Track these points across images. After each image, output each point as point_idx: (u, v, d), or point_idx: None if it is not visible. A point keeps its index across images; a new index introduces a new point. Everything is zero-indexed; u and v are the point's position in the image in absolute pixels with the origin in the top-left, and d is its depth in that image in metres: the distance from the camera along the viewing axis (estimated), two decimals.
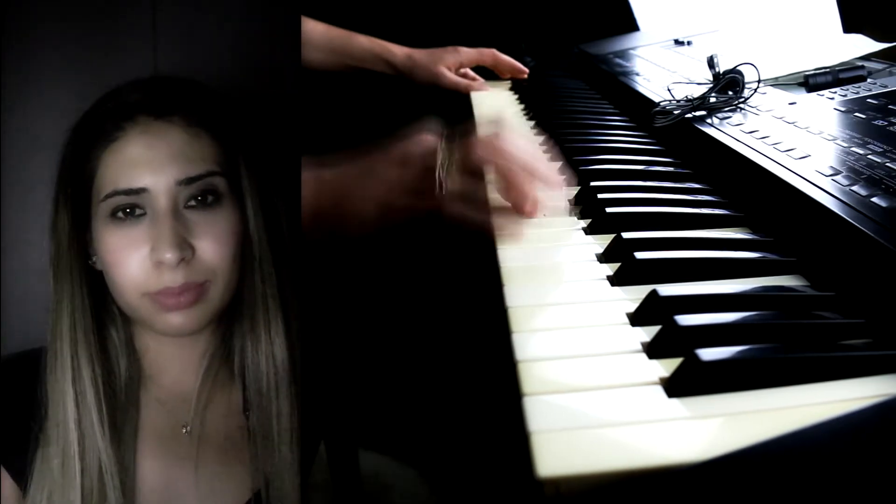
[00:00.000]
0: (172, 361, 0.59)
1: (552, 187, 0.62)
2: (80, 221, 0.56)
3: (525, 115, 1.11)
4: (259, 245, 0.57)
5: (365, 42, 1.34)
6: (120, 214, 0.54)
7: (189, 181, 0.55)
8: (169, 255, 0.53)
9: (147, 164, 0.54)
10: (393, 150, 0.64)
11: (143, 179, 0.54)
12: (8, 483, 0.57)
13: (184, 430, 0.59)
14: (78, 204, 0.56)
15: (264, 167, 0.59)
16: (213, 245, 0.55)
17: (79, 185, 0.56)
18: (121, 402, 0.57)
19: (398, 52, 1.33)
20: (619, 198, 0.65)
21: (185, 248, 0.54)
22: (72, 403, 0.54)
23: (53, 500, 0.54)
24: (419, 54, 1.33)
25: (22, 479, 0.55)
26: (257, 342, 0.58)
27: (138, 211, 0.54)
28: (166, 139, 0.55)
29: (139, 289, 0.54)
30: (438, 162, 0.60)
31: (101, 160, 0.55)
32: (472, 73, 1.35)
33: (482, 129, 0.63)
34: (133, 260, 0.54)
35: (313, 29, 1.29)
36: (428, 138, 0.65)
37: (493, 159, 0.60)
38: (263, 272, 0.58)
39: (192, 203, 0.55)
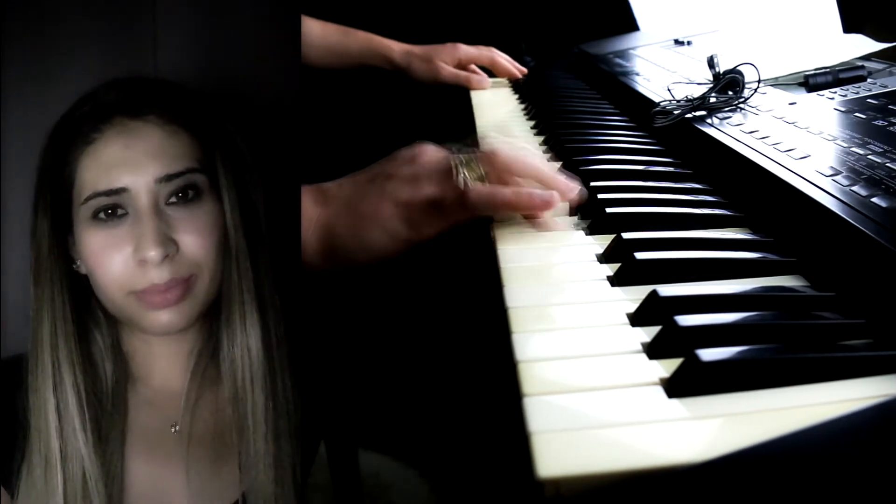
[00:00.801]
0: (160, 361, 0.59)
1: (568, 197, 0.62)
2: (60, 226, 0.56)
3: (525, 114, 1.11)
4: (235, 239, 0.57)
5: (362, 38, 1.34)
6: (101, 216, 0.54)
7: (169, 178, 0.55)
8: (152, 253, 0.53)
9: (125, 163, 0.54)
10: (399, 153, 0.64)
11: (122, 179, 0.54)
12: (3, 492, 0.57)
13: (172, 430, 0.59)
14: (58, 208, 0.56)
15: (242, 162, 0.59)
16: (196, 239, 0.55)
17: (58, 189, 0.56)
18: (107, 408, 0.57)
19: (396, 47, 1.33)
20: (620, 198, 0.65)
21: (169, 245, 0.54)
22: (53, 411, 0.54)
23: None
24: (417, 50, 1.33)
25: (10, 486, 0.55)
26: (233, 335, 0.58)
27: (120, 211, 0.54)
28: (144, 138, 0.55)
29: (124, 288, 0.54)
30: (457, 170, 0.59)
31: (79, 163, 0.55)
32: (472, 66, 1.35)
33: (490, 142, 0.62)
34: (117, 260, 0.54)
35: (310, 27, 1.29)
36: (429, 146, 0.65)
37: (518, 166, 0.59)
38: (240, 266, 0.57)
39: (173, 200, 0.55)
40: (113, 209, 0.54)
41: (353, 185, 0.62)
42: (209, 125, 0.58)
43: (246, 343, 0.58)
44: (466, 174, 0.59)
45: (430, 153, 0.63)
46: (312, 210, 0.61)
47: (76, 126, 0.56)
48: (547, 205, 0.59)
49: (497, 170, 0.60)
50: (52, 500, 0.53)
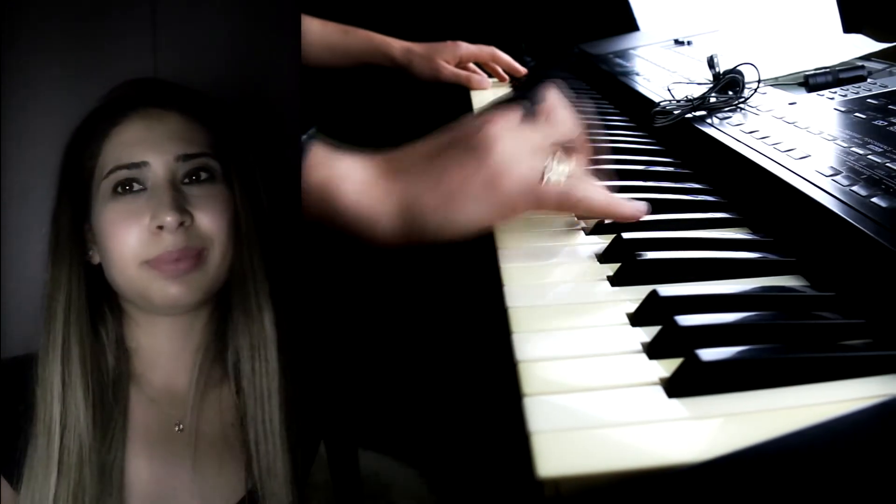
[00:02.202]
0: (165, 357, 0.60)
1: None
2: (79, 213, 0.59)
3: None
4: (245, 223, 0.60)
5: (362, 36, 1.34)
6: (121, 189, 0.57)
7: (186, 158, 0.58)
8: (169, 219, 0.55)
9: (147, 141, 0.58)
10: (470, 123, 0.59)
11: (143, 155, 0.57)
12: (6, 487, 0.57)
13: (177, 429, 0.59)
14: (79, 195, 0.59)
15: (247, 157, 0.62)
16: (209, 215, 0.57)
17: (80, 176, 0.59)
18: (108, 399, 0.58)
19: (396, 45, 1.33)
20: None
21: (185, 214, 0.56)
22: (58, 381, 0.56)
23: (33, 485, 0.55)
24: (418, 48, 1.33)
25: (16, 483, 0.56)
26: (248, 312, 0.59)
27: (137, 186, 0.57)
28: (165, 122, 0.59)
29: (138, 257, 0.56)
30: (547, 173, 0.57)
31: (103, 145, 0.58)
32: (473, 66, 1.35)
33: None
34: (133, 230, 0.56)
35: (310, 26, 1.29)
36: (497, 113, 0.60)
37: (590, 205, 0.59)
38: (250, 247, 0.60)
39: (188, 180, 0.58)
40: (132, 184, 0.57)
41: (429, 156, 0.57)
42: (221, 120, 0.62)
43: (261, 320, 0.59)
44: (558, 168, 0.57)
45: (519, 133, 0.58)
46: (391, 184, 0.57)
47: (102, 115, 0.59)
48: (639, 213, 0.59)
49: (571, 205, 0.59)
50: (50, 466, 0.55)
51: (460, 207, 0.55)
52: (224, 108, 0.63)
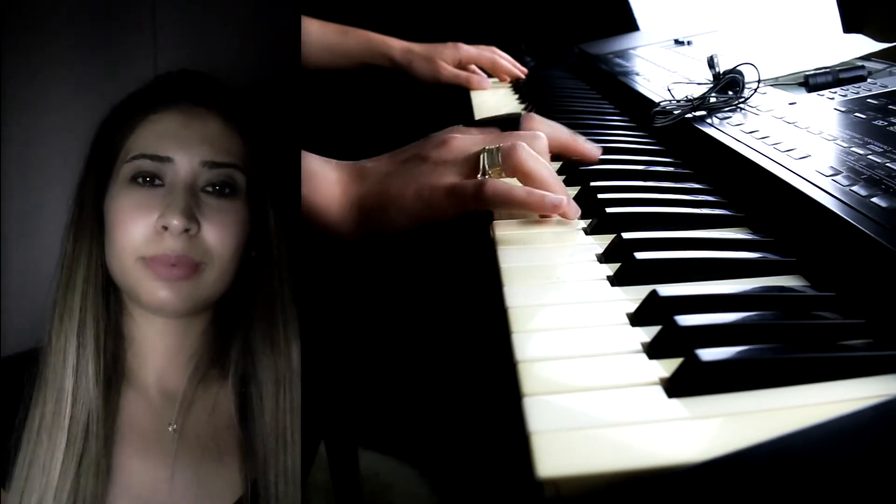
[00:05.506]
0: (157, 356, 0.60)
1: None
2: (103, 190, 0.58)
3: None
4: (277, 248, 0.59)
5: (362, 36, 1.34)
6: (140, 180, 0.57)
7: (213, 165, 0.57)
8: (176, 222, 0.55)
9: (179, 138, 0.57)
10: (435, 134, 0.68)
11: (171, 150, 0.57)
12: None
13: (170, 428, 0.59)
14: (104, 173, 0.58)
15: (283, 171, 0.61)
16: (218, 230, 0.57)
17: (109, 153, 0.58)
18: (109, 375, 0.58)
19: (396, 45, 1.33)
20: (620, 198, 0.65)
21: (193, 222, 0.55)
22: (73, 353, 0.56)
23: (38, 454, 0.55)
24: (418, 48, 1.33)
25: (6, 481, 0.56)
26: (275, 345, 0.59)
27: (157, 181, 0.56)
28: (203, 123, 0.58)
29: (136, 251, 0.56)
30: (481, 163, 0.63)
31: (136, 129, 0.58)
32: (473, 66, 1.35)
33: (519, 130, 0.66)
34: (139, 222, 0.56)
35: (308, 27, 1.29)
36: (466, 129, 0.70)
37: (530, 168, 0.63)
38: (282, 276, 0.59)
39: (209, 189, 0.57)
40: (151, 177, 0.56)
41: (388, 165, 0.66)
42: (262, 132, 0.61)
43: (288, 352, 0.59)
44: (488, 166, 0.63)
45: (461, 140, 0.66)
46: (350, 187, 0.66)
47: (143, 99, 0.59)
48: (556, 207, 0.61)
49: (510, 167, 0.63)
50: (59, 435, 0.55)
51: (391, 214, 0.64)
52: (263, 113, 0.62)
